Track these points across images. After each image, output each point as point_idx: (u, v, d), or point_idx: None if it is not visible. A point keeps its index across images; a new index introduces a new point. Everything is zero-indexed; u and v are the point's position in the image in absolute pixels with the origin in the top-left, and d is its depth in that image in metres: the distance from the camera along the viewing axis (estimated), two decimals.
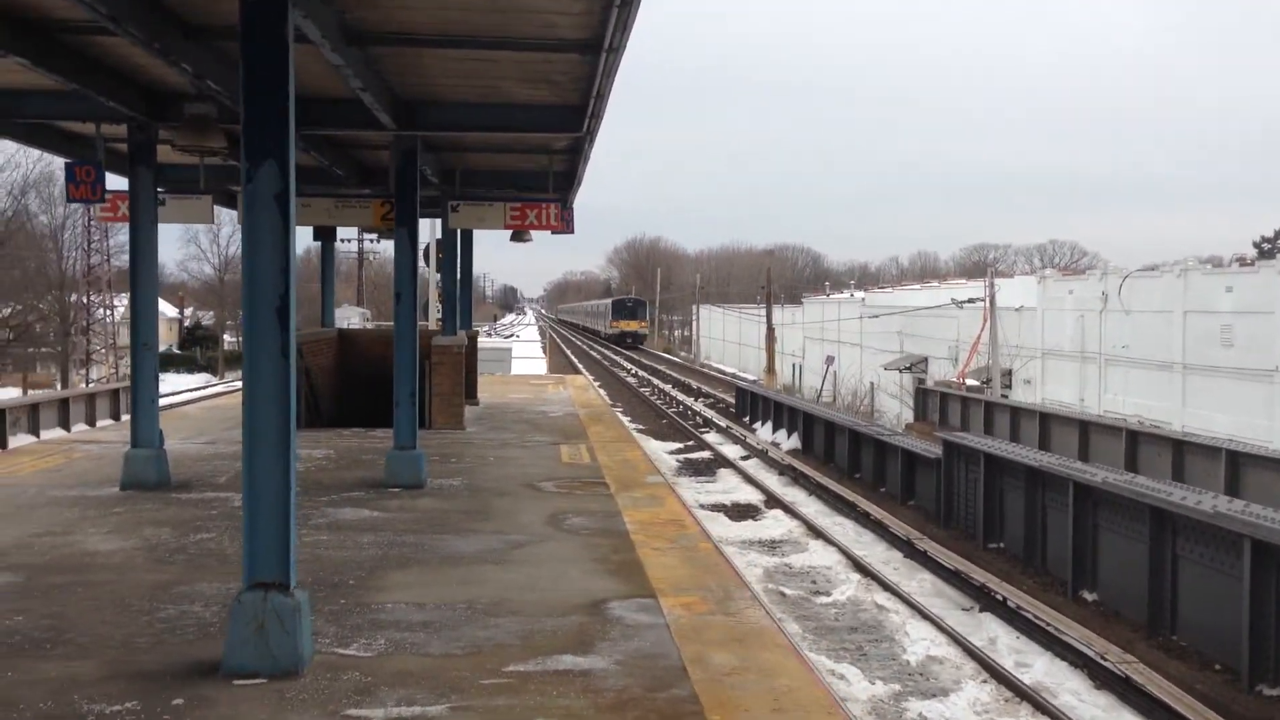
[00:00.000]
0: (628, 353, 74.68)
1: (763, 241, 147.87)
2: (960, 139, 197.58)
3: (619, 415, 24.54)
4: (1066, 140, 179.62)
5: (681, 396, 39.29)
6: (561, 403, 21.41)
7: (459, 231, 18.38)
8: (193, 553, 8.57)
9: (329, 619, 6.85)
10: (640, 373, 54.00)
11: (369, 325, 57.76)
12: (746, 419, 31.16)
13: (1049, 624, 10.85)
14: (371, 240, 66.70)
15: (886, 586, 12.80)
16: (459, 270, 18.71)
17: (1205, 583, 10.38)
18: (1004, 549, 14.54)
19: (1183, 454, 17.23)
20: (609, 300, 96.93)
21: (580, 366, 57.70)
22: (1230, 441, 17.24)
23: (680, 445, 26.65)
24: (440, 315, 19.60)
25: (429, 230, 28.87)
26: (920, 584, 13.22)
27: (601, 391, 37.89)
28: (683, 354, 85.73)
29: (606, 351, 78.17)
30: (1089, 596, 12.25)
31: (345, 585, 7.69)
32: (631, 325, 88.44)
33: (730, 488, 20.19)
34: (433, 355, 16.19)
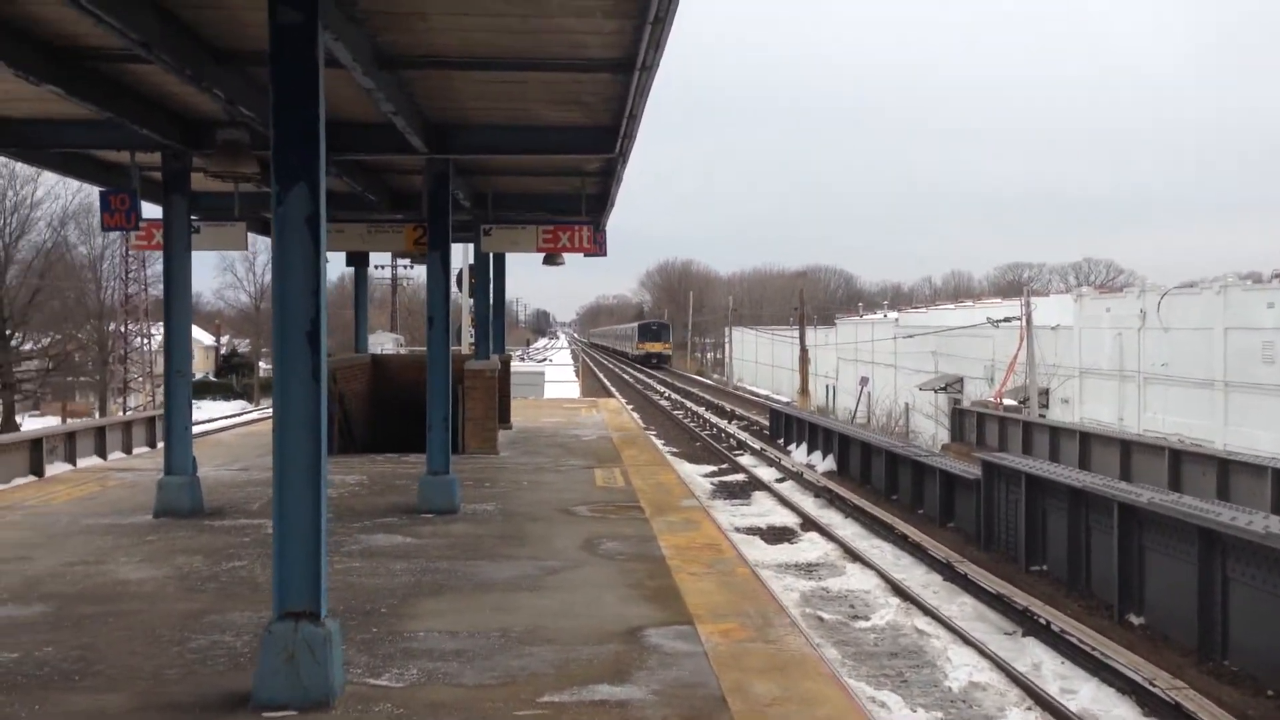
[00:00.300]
0: (660, 375, 74.66)
1: (795, 263, 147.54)
2: (993, 157, 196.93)
3: (652, 438, 24.47)
4: (1099, 158, 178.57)
5: (715, 419, 39.16)
6: (594, 426, 21.35)
7: (491, 255, 18.36)
8: (224, 581, 8.50)
9: (360, 648, 6.74)
10: (673, 395, 53.92)
11: (402, 350, 58.06)
12: (780, 441, 31.00)
13: (1095, 649, 10.58)
14: (405, 266, 67.15)
15: (927, 611, 12.57)
16: (491, 294, 18.69)
17: (1258, 605, 10.09)
18: (1047, 572, 14.27)
19: (1228, 473, 16.89)
20: (635, 324, 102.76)
21: (613, 390, 57.65)
22: (1276, 460, 16.87)
23: (714, 468, 26.57)
24: (473, 340, 19.59)
25: (461, 255, 28.99)
26: (961, 608, 12.97)
27: (635, 415, 37.78)
28: (715, 376, 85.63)
29: (639, 374, 78.26)
30: (1136, 620, 11.96)
31: (377, 613, 7.58)
32: (656, 347, 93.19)
33: (765, 510, 20.06)
34: (466, 380, 16.16)
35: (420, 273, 72.04)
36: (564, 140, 10.91)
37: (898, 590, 13.59)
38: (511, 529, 10.59)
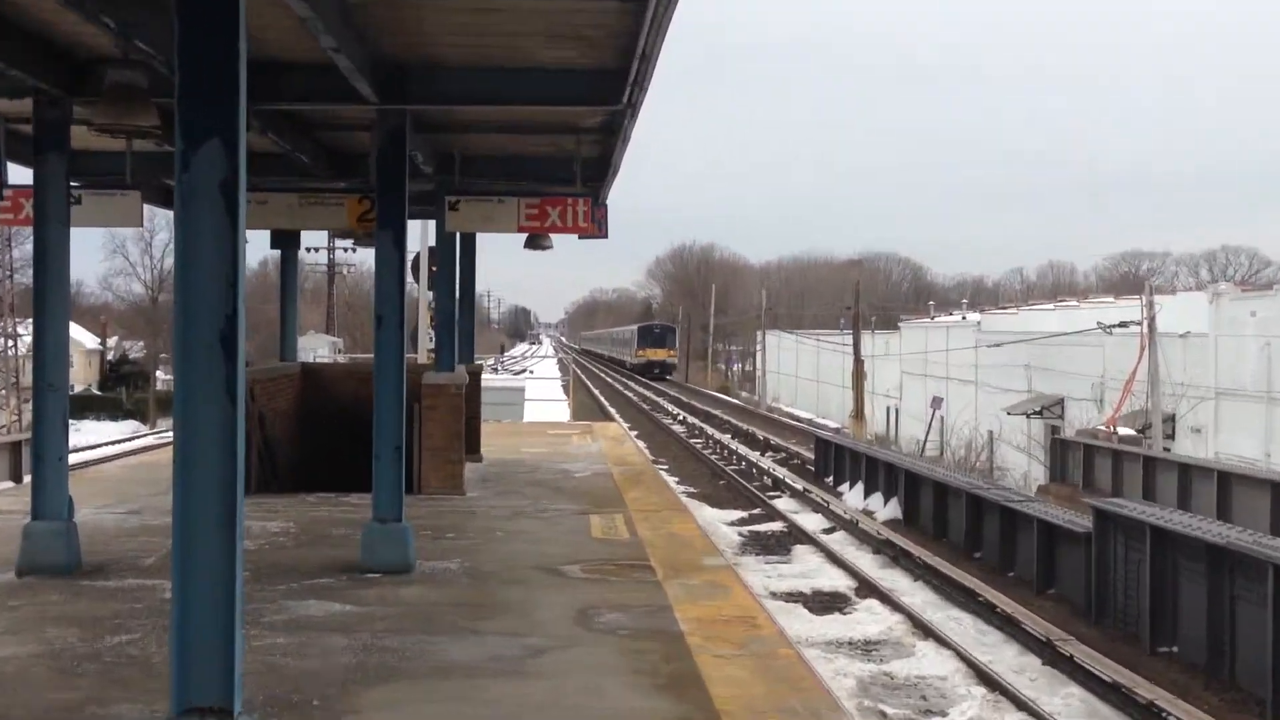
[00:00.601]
0: (671, 391, 74.82)
1: (846, 250, 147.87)
2: (1104, 126, 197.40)
3: (664, 475, 24.37)
4: (1234, 118, 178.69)
5: (744, 450, 39.16)
6: (590, 458, 21.31)
7: (459, 236, 18.30)
8: (108, 662, 8.37)
9: None
10: (690, 419, 53.99)
11: (342, 358, 58.12)
12: (829, 479, 31.05)
13: None
14: (346, 249, 67.32)
15: (1021, 705, 12.47)
16: (458, 286, 18.64)
17: None
18: (1177, 654, 14.16)
19: None
20: (634, 327, 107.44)
21: (613, 411, 57.67)
22: None
23: (744, 514, 26.62)
24: (433, 345, 19.49)
25: (420, 235, 28.86)
26: (1067, 701, 12.86)
27: (641, 444, 37.62)
28: (744, 394, 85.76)
29: (646, 391, 78.45)
30: None
31: (308, 706, 7.45)
32: (659, 354, 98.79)
33: (810, 570, 20.06)
34: (424, 397, 16.13)
35: (366, 258, 72.33)
36: (556, 87, 10.83)
37: (983, 677, 13.47)
38: (482, 594, 10.55)
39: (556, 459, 21.06)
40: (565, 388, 62.53)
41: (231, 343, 5.73)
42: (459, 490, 16.19)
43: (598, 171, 15.77)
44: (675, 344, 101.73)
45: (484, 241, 22.24)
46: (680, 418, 55.49)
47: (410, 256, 30.69)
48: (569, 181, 14.93)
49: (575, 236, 15.79)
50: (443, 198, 14.56)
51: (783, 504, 27.73)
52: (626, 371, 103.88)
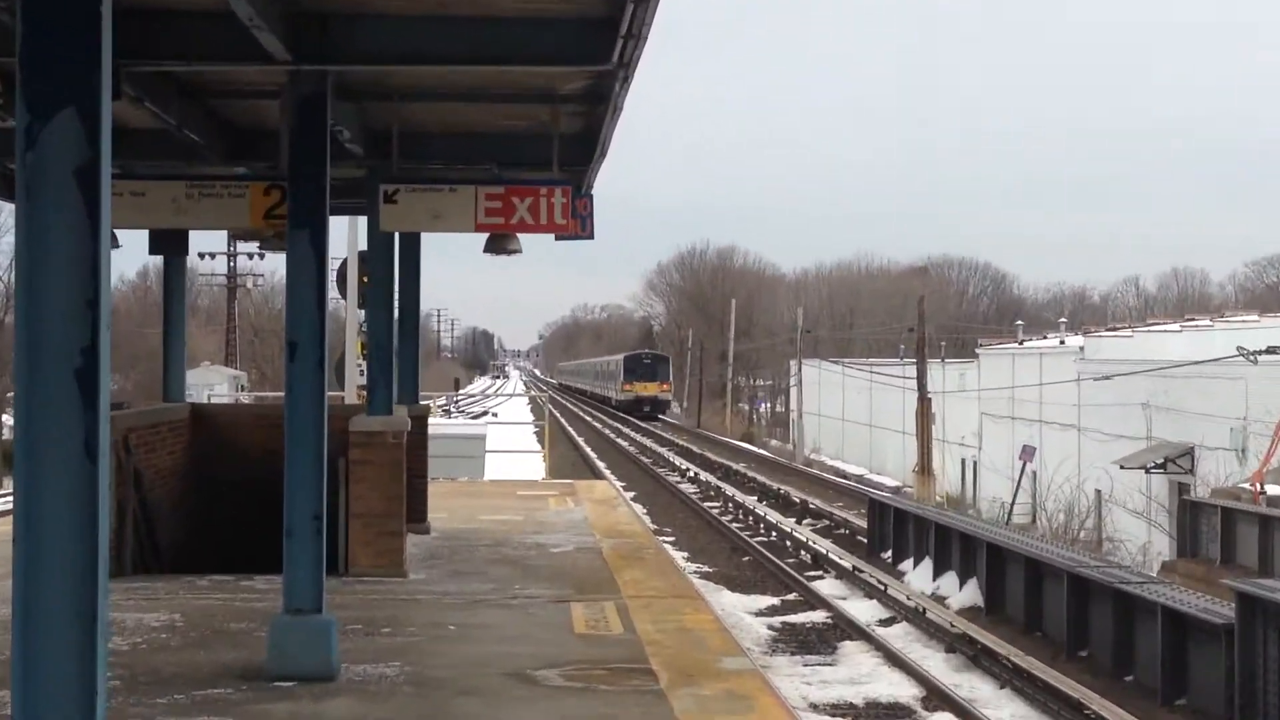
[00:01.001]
0: (680, 440, 74.85)
1: (907, 254, 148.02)
2: (1243, 97, 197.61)
3: (669, 550, 24.26)
4: None
5: (774, 517, 39.16)
6: (571, 528, 21.32)
7: (398, 238, 18.28)
8: None
9: None
10: (703, 475, 54.02)
11: (246, 397, 57.98)
12: (886, 555, 31.05)
13: None
14: (252, 255, 67.49)
15: None
16: (397, 304, 18.58)
17: None
18: None
19: None
20: (620, 357, 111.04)
21: (601, 465, 57.57)
22: None
23: (774, 601, 26.60)
24: (365, 381, 19.44)
25: (347, 236, 28.80)
26: None
27: (639, 508, 37.47)
28: (774, 442, 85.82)
29: (644, 439, 78.65)
30: None
31: None
32: (649, 388, 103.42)
33: (862, 674, 19.98)
34: (352, 449, 16.13)
35: (278, 266, 72.38)
36: (526, 41, 10.84)
37: None
38: (429, 710, 10.49)
39: (528, 529, 21.02)
40: (539, 435, 62.55)
41: (91, 380, 5.64)
42: (399, 571, 16.16)
43: (580, 152, 15.74)
44: (669, 377, 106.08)
45: (432, 245, 22.20)
46: (690, 474, 55.43)
47: (334, 265, 30.67)
48: (543, 165, 14.91)
49: (551, 237, 15.75)
50: (376, 187, 14.51)
51: (826, 587, 27.64)
52: (613, 412, 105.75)
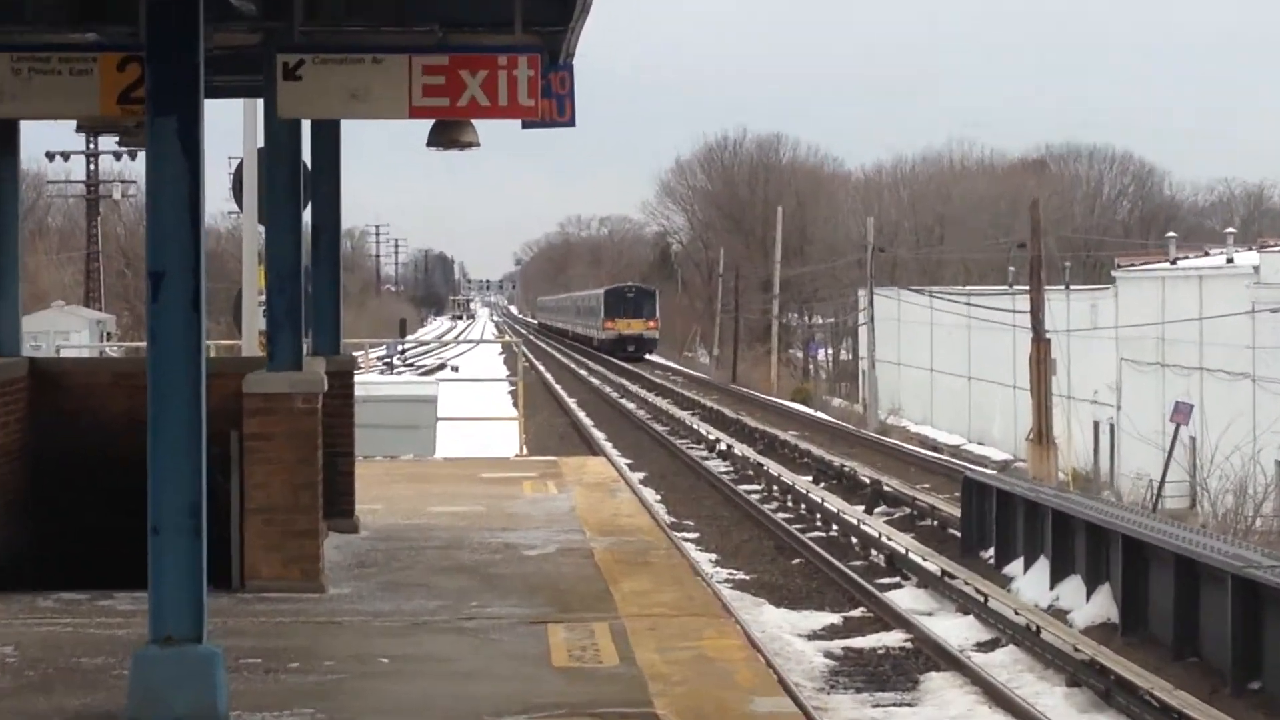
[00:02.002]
0: (711, 403, 75.09)
1: (1018, 144, 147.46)
2: None
3: (688, 549, 24.16)
4: None
5: (835, 503, 39.14)
6: (553, 522, 21.23)
7: (308, 128, 18.20)
8: None
9: None
10: (740, 447, 54.13)
11: (114, 349, 57.78)
12: (986, 553, 31.27)
13: None
14: (120, 156, 67.21)
15: None
16: (310, 219, 18.49)
17: None
18: None
19: None
20: (600, 291, 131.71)
21: (598, 436, 57.58)
22: None
23: (834, 618, 26.73)
24: (268, 325, 19.35)
25: (244, 126, 28.64)
26: None
27: (648, 493, 37.34)
28: (837, 401, 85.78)
29: (658, 400, 78.68)
30: None
31: None
32: (634, 326, 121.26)
33: (955, 718, 20.04)
34: (248, 417, 16.07)
35: (140, 170, 72.39)
36: None
37: None
38: None
39: (493, 524, 20.89)
40: (516, 396, 62.55)
41: None
42: (314, 584, 16.10)
43: (555, 7, 15.60)
44: (655, 313, 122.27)
45: (357, 134, 21.91)
46: (721, 446, 55.46)
47: (230, 167, 30.18)
48: (502, 26, 14.87)
49: (516, 124, 15.64)
50: (274, 58, 14.40)
51: (904, 598, 27.74)
52: (619, 365, 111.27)
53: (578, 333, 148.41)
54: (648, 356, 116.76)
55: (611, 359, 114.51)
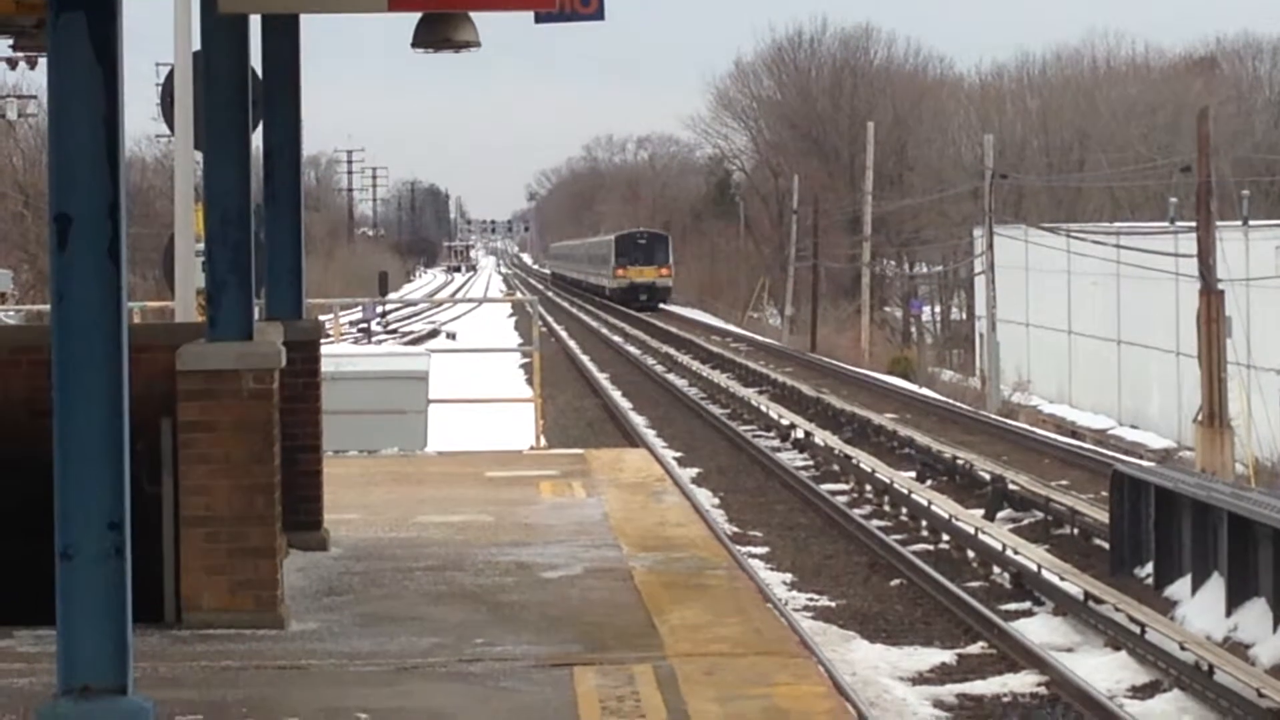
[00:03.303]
0: (783, 377, 75.25)
1: (1176, 37, 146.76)
2: None
3: (754, 564, 24.03)
4: None
5: (946, 506, 39.02)
6: (580, 534, 21.27)
7: (260, 26, 18.21)
8: None
9: None
10: (821, 434, 54.16)
11: (9, 314, 57.91)
12: (1144, 571, 31.25)
13: None
14: (15, 64, 67.48)
15: None
16: (262, 143, 18.47)
17: None
18: None
19: None
20: (611, 237, 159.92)
21: (638, 421, 57.58)
22: None
23: (946, 656, 26.80)
24: (208, 282, 19.38)
25: (176, 25, 28.74)
26: None
27: (703, 495, 37.20)
28: (948, 375, 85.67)
29: (711, 371, 78.82)
30: None
31: None
32: (646, 273, 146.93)
33: None
34: (183, 402, 16.09)
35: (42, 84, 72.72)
36: None
37: None
38: None
39: (502, 538, 20.94)
40: (529, 370, 62.65)
41: None
42: (270, 617, 16.07)
43: None
44: (669, 260, 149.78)
45: (321, 31, 21.89)
46: (797, 433, 55.44)
47: (158, 78, 30.17)
48: None
49: (528, 18, 15.66)
50: None
51: (1036, 629, 27.71)
52: (662, 330, 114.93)
53: (590, 282, 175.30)
54: (677, 310, 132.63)
55: (637, 313, 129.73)
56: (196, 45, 22.15)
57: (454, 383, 42.67)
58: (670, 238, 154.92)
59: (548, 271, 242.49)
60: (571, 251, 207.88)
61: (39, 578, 13.68)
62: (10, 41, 21.01)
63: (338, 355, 32.37)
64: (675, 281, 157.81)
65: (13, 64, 66.36)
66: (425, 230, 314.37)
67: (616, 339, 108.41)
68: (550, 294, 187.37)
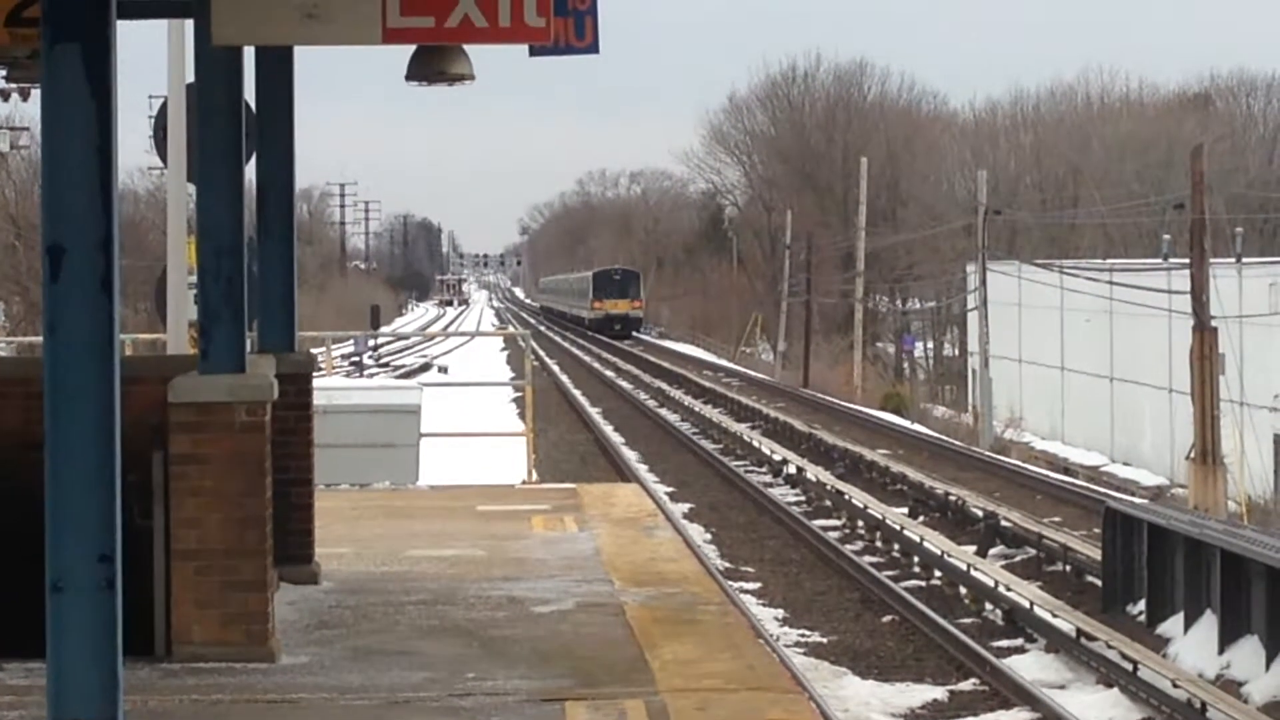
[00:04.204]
0: (777, 414, 75.22)
1: (1171, 74, 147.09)
2: None
3: (746, 600, 24.05)
4: None
5: (938, 543, 39.03)
6: (572, 569, 21.24)
7: (254, 59, 18.21)
8: None
9: None
10: (814, 470, 54.13)
11: (1, 346, 57.71)
12: (1136, 608, 31.31)
13: None
14: (8, 96, 67.26)
15: None
16: (254, 175, 18.45)
17: None
18: None
19: None
20: (589, 273, 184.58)
21: (630, 456, 57.55)
22: None
23: (937, 693, 26.85)
24: (200, 314, 19.37)
25: (169, 57, 28.75)
26: None
27: (695, 529, 37.20)
28: (940, 411, 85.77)
29: (704, 407, 79.06)
30: None
31: None
32: (620, 305, 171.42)
33: None
34: (175, 434, 16.06)
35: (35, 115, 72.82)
36: None
37: None
38: None
39: (494, 572, 20.92)
40: (522, 405, 62.70)
41: None
42: (261, 651, 16.06)
43: None
44: (640, 294, 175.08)
45: (316, 65, 21.85)
46: (790, 469, 55.46)
47: (151, 110, 30.00)
48: None
49: (523, 51, 15.63)
50: None
51: (1028, 666, 27.78)
52: (654, 364, 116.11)
53: (573, 314, 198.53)
54: (669, 345, 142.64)
55: (615, 343, 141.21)
56: (190, 77, 22.18)
57: (446, 417, 42.72)
58: (641, 274, 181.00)
59: (538, 305, 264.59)
60: (557, 286, 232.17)
61: (29, 610, 13.68)
62: (3, 73, 21.00)
63: (330, 388, 32.34)
64: (667, 316, 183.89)
65: (5, 95, 66.33)
66: (418, 263, 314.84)
67: (609, 374, 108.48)
68: (543, 328, 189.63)
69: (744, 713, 14.49)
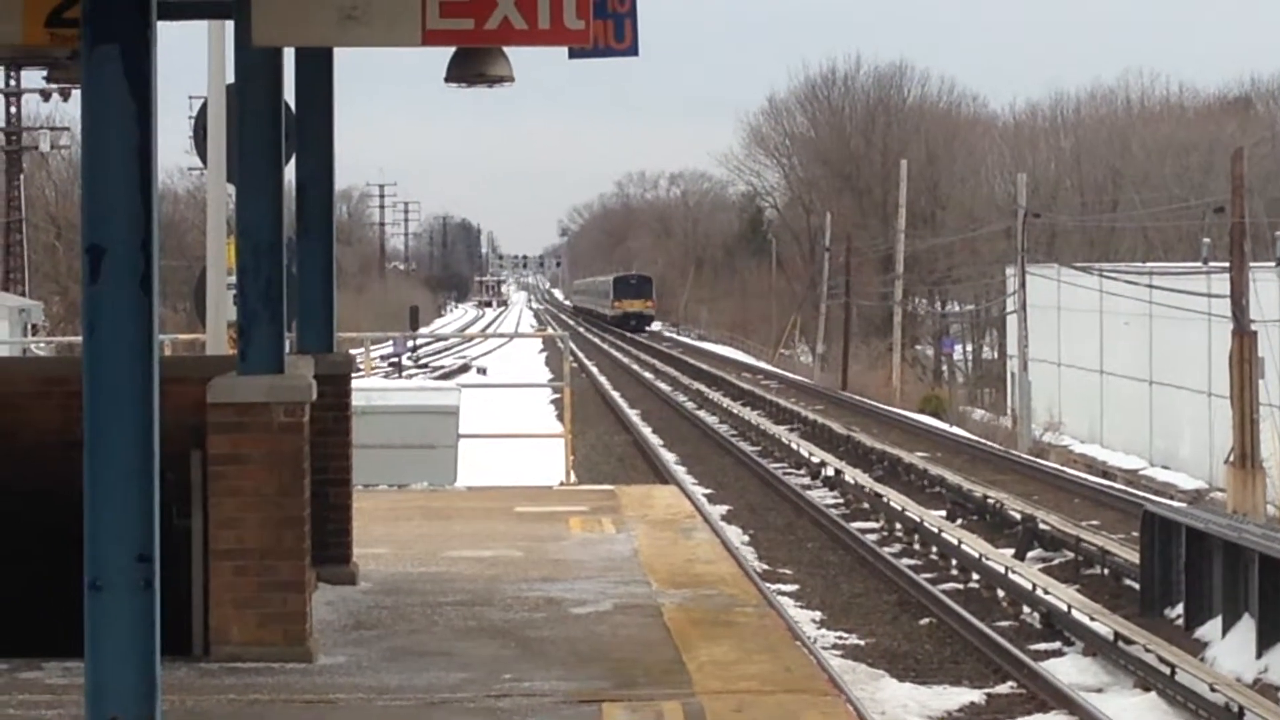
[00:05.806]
0: (814, 415, 74.96)
1: (1211, 77, 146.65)
2: None
3: (784, 602, 24.00)
4: None
5: (976, 546, 38.94)
6: (610, 570, 21.20)
7: (294, 60, 18.20)
8: None
9: None
10: (851, 473, 54.07)
11: (41, 347, 57.83)
12: (1174, 611, 31.16)
13: None
14: (49, 95, 67.40)
15: None
16: (293, 175, 18.44)
17: None
18: None
19: None
20: (610, 277, 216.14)
21: (669, 458, 57.43)
22: None
23: (975, 696, 26.79)
24: (239, 315, 19.37)
25: (210, 59, 28.75)
26: None
27: (732, 532, 37.11)
28: (979, 414, 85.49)
29: (743, 409, 78.84)
30: None
31: None
32: (635, 305, 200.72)
33: None
34: (213, 434, 16.04)
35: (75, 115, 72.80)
36: None
37: None
38: None
39: (532, 573, 20.86)
40: (562, 406, 62.68)
41: None
42: (299, 651, 16.04)
43: None
44: (652, 295, 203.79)
45: (356, 67, 21.82)
46: (828, 471, 55.34)
47: (191, 110, 30.15)
48: None
49: (563, 53, 15.61)
50: None
51: (1066, 669, 27.67)
52: (692, 365, 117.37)
53: (598, 311, 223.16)
54: (708, 347, 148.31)
55: (633, 335, 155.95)
56: (230, 78, 22.17)
57: (484, 417, 42.62)
58: (653, 279, 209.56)
59: (572, 305, 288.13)
60: (585, 288, 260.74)
61: (68, 609, 13.67)
62: (44, 73, 21.03)
63: (368, 389, 32.34)
64: (706, 318, 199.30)
65: (46, 96, 66.56)
66: (456, 265, 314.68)
67: (647, 375, 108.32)
68: (581, 329, 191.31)
69: (781, 715, 14.42)
